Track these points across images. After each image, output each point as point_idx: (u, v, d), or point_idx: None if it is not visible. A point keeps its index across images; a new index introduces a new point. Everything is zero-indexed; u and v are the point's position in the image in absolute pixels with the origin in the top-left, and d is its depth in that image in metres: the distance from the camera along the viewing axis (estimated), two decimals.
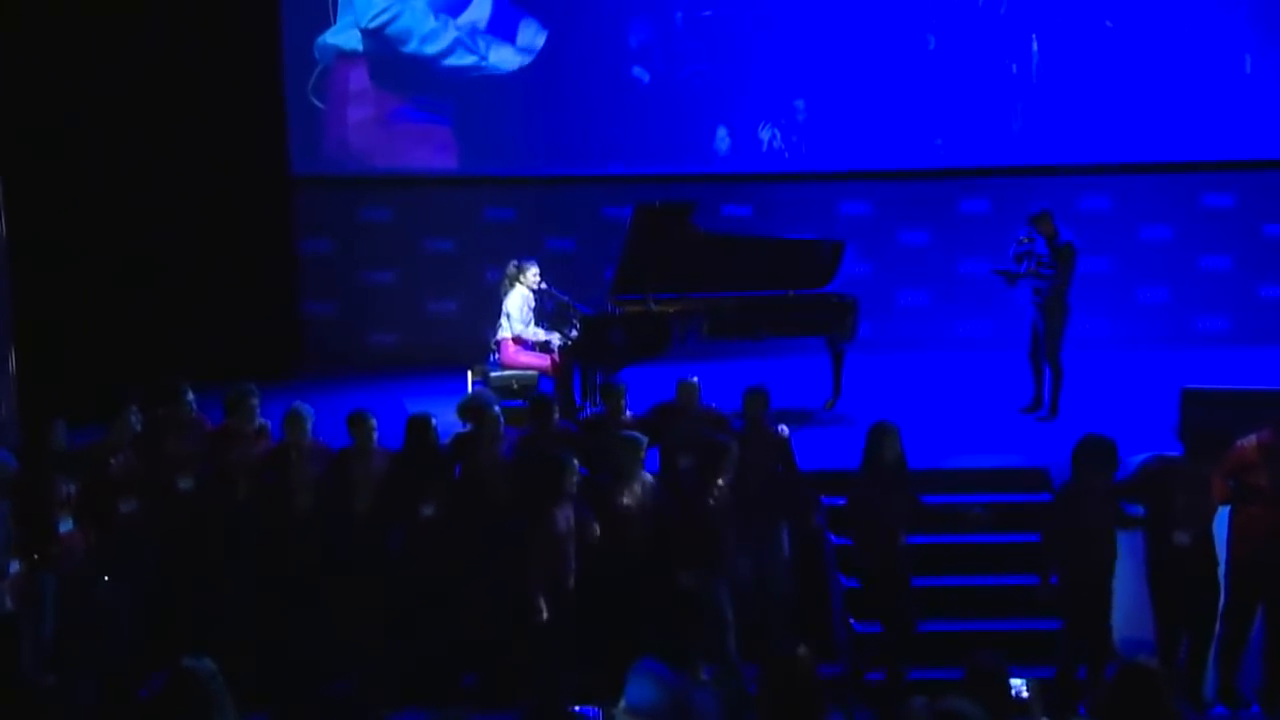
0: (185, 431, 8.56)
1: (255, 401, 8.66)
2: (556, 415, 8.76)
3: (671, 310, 10.66)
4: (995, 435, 10.50)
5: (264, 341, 12.83)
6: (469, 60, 13.87)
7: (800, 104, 13.95)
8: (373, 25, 13.86)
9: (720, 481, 8.05)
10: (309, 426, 8.54)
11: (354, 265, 13.93)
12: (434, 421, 8.53)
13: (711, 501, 8.03)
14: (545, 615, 7.86)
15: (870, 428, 8.17)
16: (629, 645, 7.40)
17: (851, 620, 8.79)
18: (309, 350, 13.47)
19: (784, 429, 8.71)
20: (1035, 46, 13.96)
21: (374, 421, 8.51)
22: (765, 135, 13.95)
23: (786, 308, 11.06)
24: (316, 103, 13.85)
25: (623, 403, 8.83)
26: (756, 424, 8.66)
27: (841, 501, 8.96)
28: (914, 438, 10.21)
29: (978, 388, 11.99)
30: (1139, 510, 8.08)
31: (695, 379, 9.03)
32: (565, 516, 7.96)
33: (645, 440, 8.20)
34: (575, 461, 7.99)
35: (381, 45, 13.90)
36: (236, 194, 12.85)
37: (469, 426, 8.77)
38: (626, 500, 8.14)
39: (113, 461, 8.25)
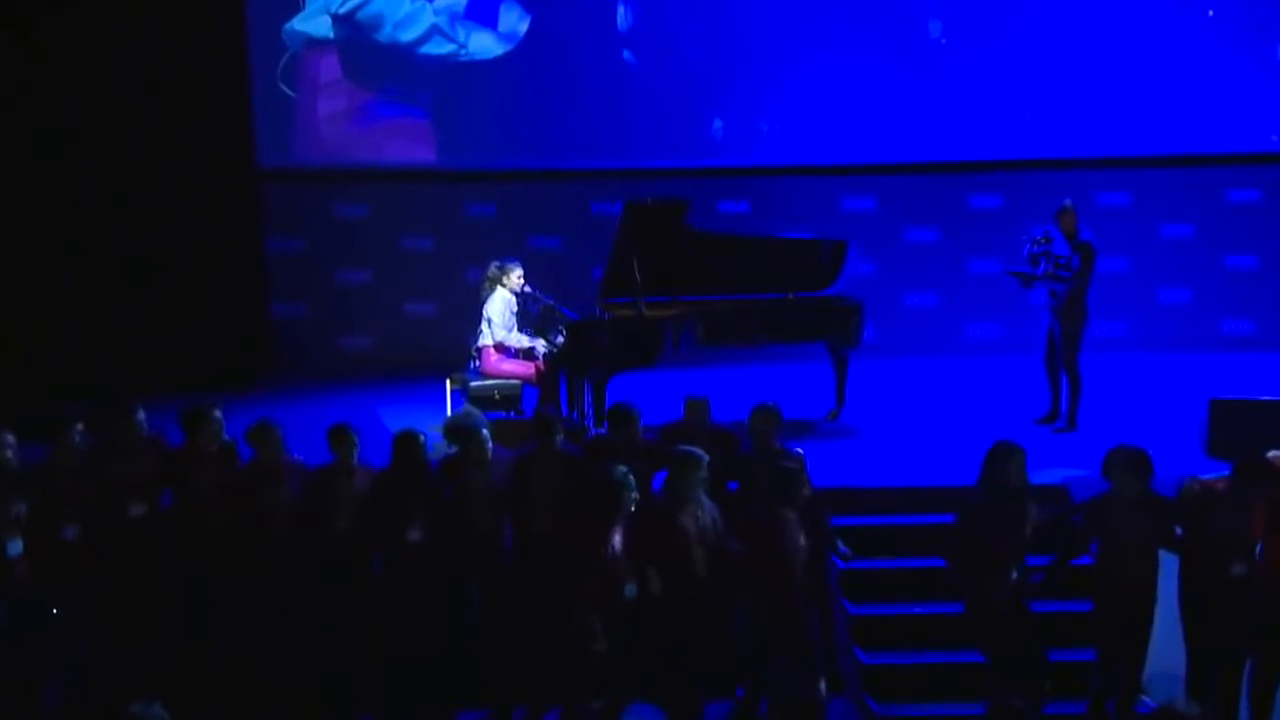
0: (137, 453, 8.26)
1: (218, 418, 8.38)
2: (560, 437, 8.46)
3: (664, 315, 10.49)
4: None
5: (229, 347, 12.73)
6: (447, 49, 13.74)
7: (801, 93, 13.78)
8: (343, 10, 13.70)
9: (792, 513, 7.77)
10: (281, 442, 8.29)
11: (326, 264, 13.77)
12: (423, 439, 8.27)
13: (788, 538, 7.71)
14: (601, 644, 7.59)
15: (992, 448, 7.88)
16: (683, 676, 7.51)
17: (857, 650, 8.61)
18: (278, 355, 13.37)
19: (799, 451, 8.42)
20: (1050, 32, 13.84)
21: (356, 437, 8.28)
22: (763, 127, 13.80)
23: (786, 312, 10.90)
24: (286, 90, 13.71)
25: (635, 430, 8.51)
26: (766, 444, 8.38)
27: (847, 521, 8.79)
28: (921, 452, 10.26)
29: (990, 396, 11.83)
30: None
31: (705, 398, 8.78)
32: (620, 540, 7.70)
33: (705, 458, 7.89)
34: (633, 480, 7.73)
35: (353, 32, 13.74)
36: (199, 189, 12.68)
37: (455, 448, 8.52)
38: (687, 524, 7.81)
39: (56, 484, 7.99)
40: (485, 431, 8.40)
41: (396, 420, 11.15)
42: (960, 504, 8.02)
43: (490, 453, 8.31)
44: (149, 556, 8.15)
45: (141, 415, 8.34)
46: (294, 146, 13.76)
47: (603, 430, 9.98)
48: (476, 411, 9.74)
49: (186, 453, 8.35)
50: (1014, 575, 7.76)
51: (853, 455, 10.30)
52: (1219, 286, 13.94)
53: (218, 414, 8.35)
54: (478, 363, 10.71)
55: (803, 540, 7.76)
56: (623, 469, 7.76)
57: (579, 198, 13.69)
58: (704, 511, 7.87)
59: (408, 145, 13.81)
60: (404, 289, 13.78)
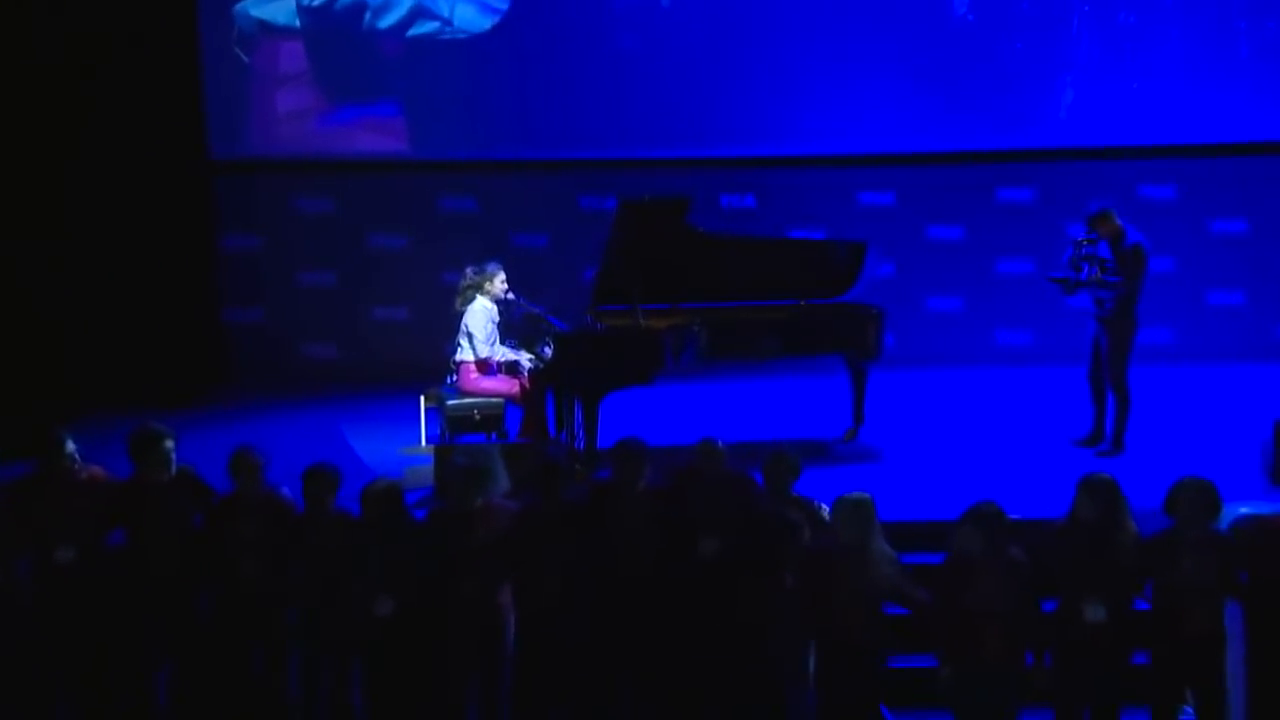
0: (66, 489, 7.90)
1: (169, 446, 7.99)
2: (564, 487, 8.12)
3: (663, 325, 10.34)
4: (1045, 474, 10.02)
5: (177, 355, 12.80)
6: (430, 27, 13.70)
7: (812, 76, 13.70)
8: (318, 2, 13.63)
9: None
10: (259, 473, 7.92)
11: (286, 264, 13.77)
12: (403, 493, 7.88)
13: (983, 589, 7.42)
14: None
15: (1085, 480, 7.65)
16: None
17: (884, 709, 8.33)
18: (231, 365, 13.43)
19: (824, 507, 8.11)
20: (1087, 7, 13.80)
21: (338, 478, 7.87)
22: (771, 113, 13.68)
23: (798, 321, 10.75)
24: (241, 56, 13.61)
25: (642, 471, 8.12)
26: (783, 496, 8.05)
27: None
28: (949, 478, 10.11)
29: (1024, 413, 11.74)
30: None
31: (719, 442, 8.39)
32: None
33: (869, 499, 7.62)
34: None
35: (325, 26, 13.67)
36: (145, 181, 12.75)
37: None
38: (850, 574, 7.46)
39: None
40: (498, 468, 8.03)
41: (364, 442, 11.06)
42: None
43: (494, 499, 7.96)
44: (80, 607, 7.85)
45: (71, 447, 7.98)
46: (249, 136, 13.75)
47: (583, 448, 9.93)
48: (489, 451, 9.35)
49: (134, 485, 7.98)
50: (1088, 619, 7.49)
51: (873, 482, 9.97)
52: (1276, 288, 13.91)
53: (169, 442, 7.96)
54: (455, 378, 10.52)
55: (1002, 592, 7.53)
56: (788, 513, 7.52)
57: (567, 191, 13.68)
58: (878, 561, 7.55)
59: (378, 138, 13.82)
60: (373, 291, 13.78)
